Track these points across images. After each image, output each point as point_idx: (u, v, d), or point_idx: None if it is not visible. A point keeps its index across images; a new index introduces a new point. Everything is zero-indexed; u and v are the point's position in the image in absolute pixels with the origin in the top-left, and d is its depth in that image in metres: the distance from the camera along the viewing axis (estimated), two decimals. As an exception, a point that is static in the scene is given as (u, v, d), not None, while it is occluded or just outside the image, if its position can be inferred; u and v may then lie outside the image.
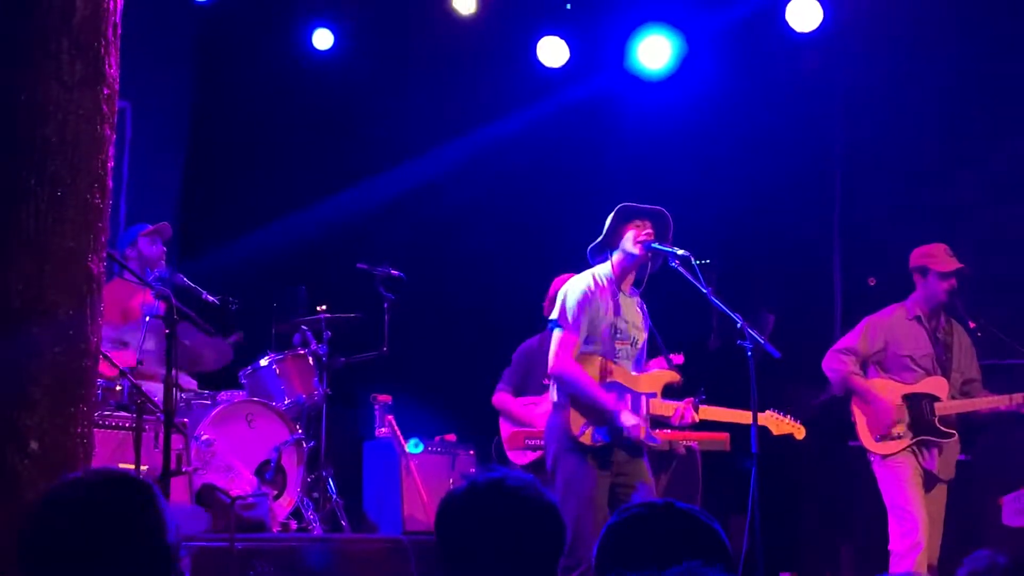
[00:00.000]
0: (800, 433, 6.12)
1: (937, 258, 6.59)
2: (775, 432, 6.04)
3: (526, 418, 7.30)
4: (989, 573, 2.77)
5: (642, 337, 5.82)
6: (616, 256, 5.75)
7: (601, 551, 2.35)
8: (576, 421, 5.57)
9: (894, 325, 6.69)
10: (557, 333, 5.67)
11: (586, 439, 5.55)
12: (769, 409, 6.02)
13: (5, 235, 3.75)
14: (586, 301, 5.64)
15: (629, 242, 5.70)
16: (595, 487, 5.51)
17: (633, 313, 5.79)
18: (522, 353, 7.56)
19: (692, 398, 5.82)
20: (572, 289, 5.70)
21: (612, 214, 5.74)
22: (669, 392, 5.87)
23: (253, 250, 8.84)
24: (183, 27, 9.10)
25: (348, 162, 9.39)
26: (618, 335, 5.69)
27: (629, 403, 5.66)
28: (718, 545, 2.32)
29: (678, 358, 6.52)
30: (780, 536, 7.69)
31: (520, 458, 7.16)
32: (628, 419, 5.56)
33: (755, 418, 5.57)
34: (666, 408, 5.75)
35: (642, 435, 5.60)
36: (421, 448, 7.46)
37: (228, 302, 7.22)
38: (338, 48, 9.35)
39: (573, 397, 5.60)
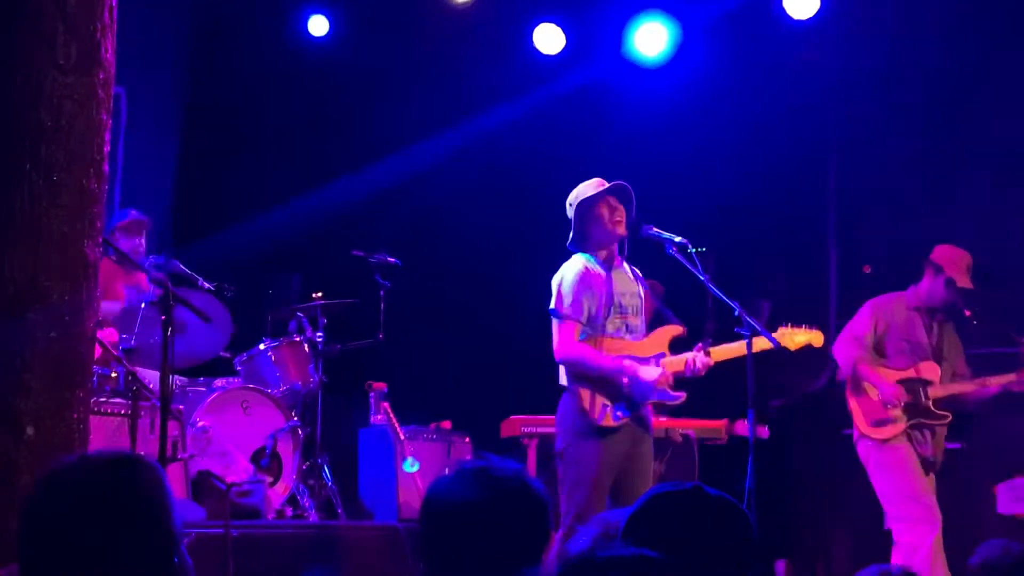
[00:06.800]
0: (818, 339, 5.94)
1: (956, 269, 6.60)
2: (792, 348, 5.85)
3: None
4: (1002, 560, 2.77)
5: (638, 300, 5.80)
6: (596, 240, 5.72)
7: (631, 525, 2.30)
8: (594, 405, 5.55)
9: (895, 310, 6.76)
10: (556, 322, 5.66)
11: (608, 420, 5.52)
12: (781, 326, 5.89)
13: (0, 220, 3.74)
14: (581, 284, 5.63)
15: (605, 226, 5.68)
16: (606, 473, 5.50)
17: (628, 282, 5.78)
18: None
19: (700, 343, 5.78)
20: (566, 275, 5.69)
21: (573, 210, 5.69)
22: (677, 346, 5.83)
23: (248, 237, 8.82)
24: (178, 13, 9.07)
25: (344, 149, 9.36)
26: (619, 310, 5.68)
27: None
28: (747, 532, 2.29)
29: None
30: (775, 524, 7.69)
31: None
32: (649, 373, 5.54)
33: (751, 403, 5.54)
34: (677, 363, 5.68)
35: (668, 384, 5.57)
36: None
37: (223, 289, 7.21)
38: (334, 35, 9.33)
39: (586, 378, 5.57)
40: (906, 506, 6.48)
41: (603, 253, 5.73)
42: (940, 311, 6.73)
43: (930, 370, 6.63)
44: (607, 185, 5.69)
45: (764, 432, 7.48)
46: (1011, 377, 6.54)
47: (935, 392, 6.58)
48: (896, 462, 6.53)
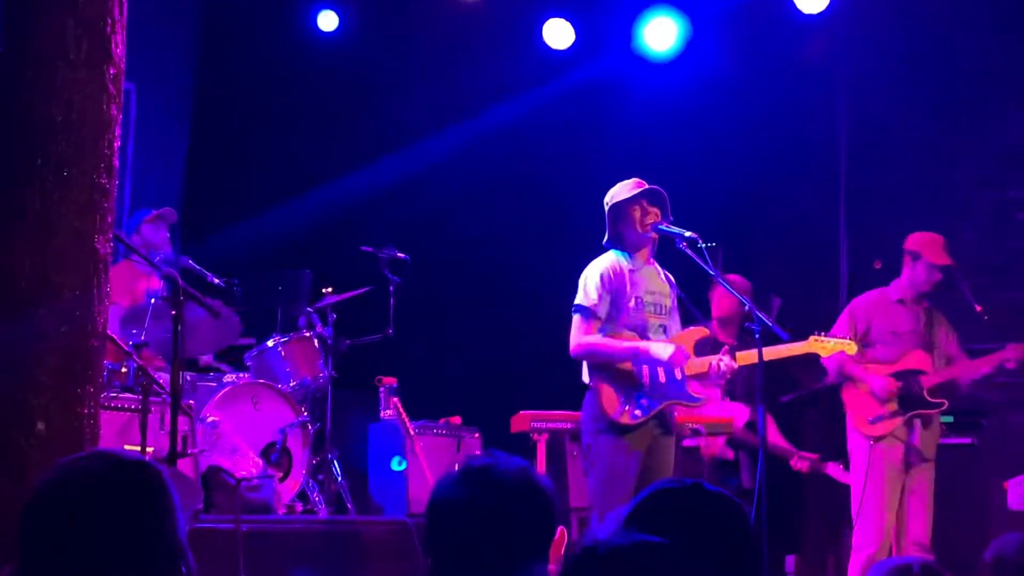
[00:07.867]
0: (852, 348, 6.08)
1: (932, 249, 6.63)
2: (825, 355, 5.99)
3: None
4: (1018, 556, 2.75)
5: (668, 301, 5.81)
6: (629, 241, 5.75)
7: (630, 521, 2.30)
8: (612, 402, 5.56)
9: (876, 305, 6.80)
10: (576, 318, 5.69)
11: (625, 418, 5.53)
12: (812, 335, 5.94)
13: (10, 216, 3.74)
14: (605, 281, 5.65)
15: (636, 227, 5.71)
16: (635, 468, 5.49)
17: (657, 282, 5.80)
18: None
19: (726, 346, 5.80)
20: (591, 272, 5.72)
21: (607, 212, 5.74)
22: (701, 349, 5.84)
23: (258, 232, 8.83)
24: (188, 8, 9.08)
25: (353, 144, 9.36)
26: (646, 308, 5.69)
27: (660, 363, 5.59)
28: (746, 530, 2.28)
29: None
30: (785, 520, 7.69)
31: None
32: (662, 350, 5.54)
33: (759, 398, 5.54)
34: (701, 365, 5.69)
35: (683, 362, 5.56)
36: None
37: (233, 284, 7.21)
38: (343, 30, 9.34)
39: (604, 371, 5.58)
40: (873, 511, 6.50)
41: (635, 252, 5.76)
42: (927, 297, 6.74)
43: (920, 359, 6.64)
44: (643, 187, 5.71)
45: (839, 473, 7.41)
46: (1004, 354, 6.53)
47: (929, 381, 6.58)
48: (880, 467, 6.53)
